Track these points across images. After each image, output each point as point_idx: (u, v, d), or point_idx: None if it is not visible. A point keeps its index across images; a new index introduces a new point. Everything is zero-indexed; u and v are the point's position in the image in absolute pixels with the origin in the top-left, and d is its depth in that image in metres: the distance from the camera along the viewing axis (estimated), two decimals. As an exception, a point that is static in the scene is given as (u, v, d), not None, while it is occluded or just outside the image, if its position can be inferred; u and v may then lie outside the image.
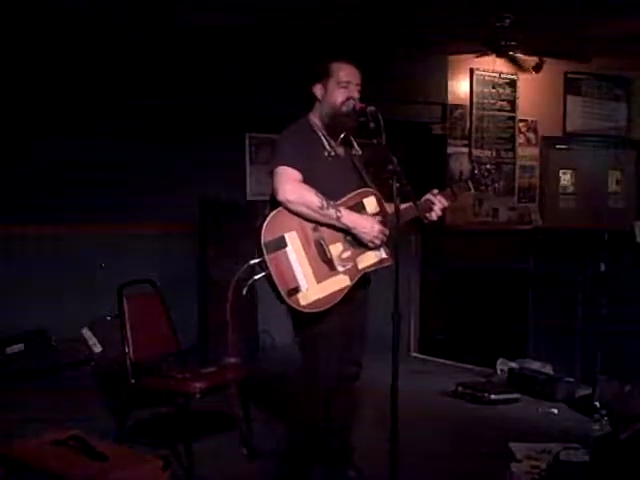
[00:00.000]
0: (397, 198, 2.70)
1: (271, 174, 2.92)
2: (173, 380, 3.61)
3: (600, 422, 4.15)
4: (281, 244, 2.82)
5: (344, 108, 2.99)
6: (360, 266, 2.98)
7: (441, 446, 3.93)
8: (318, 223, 2.89)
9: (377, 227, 2.95)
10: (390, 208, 2.89)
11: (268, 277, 2.81)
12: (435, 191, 3.15)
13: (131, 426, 3.93)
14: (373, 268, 3.01)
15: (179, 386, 3.57)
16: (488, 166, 3.30)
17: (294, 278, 2.81)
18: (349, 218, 2.92)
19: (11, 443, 2.86)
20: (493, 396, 4.75)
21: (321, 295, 2.85)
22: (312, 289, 2.83)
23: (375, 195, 3.05)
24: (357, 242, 2.97)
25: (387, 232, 2.97)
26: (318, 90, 3.07)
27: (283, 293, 2.79)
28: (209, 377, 3.68)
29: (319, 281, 2.86)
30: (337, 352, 3.01)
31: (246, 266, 2.87)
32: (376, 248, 2.99)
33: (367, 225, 2.94)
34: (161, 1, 4.65)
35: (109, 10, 4.71)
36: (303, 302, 2.82)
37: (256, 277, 2.86)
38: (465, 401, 4.81)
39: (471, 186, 3.25)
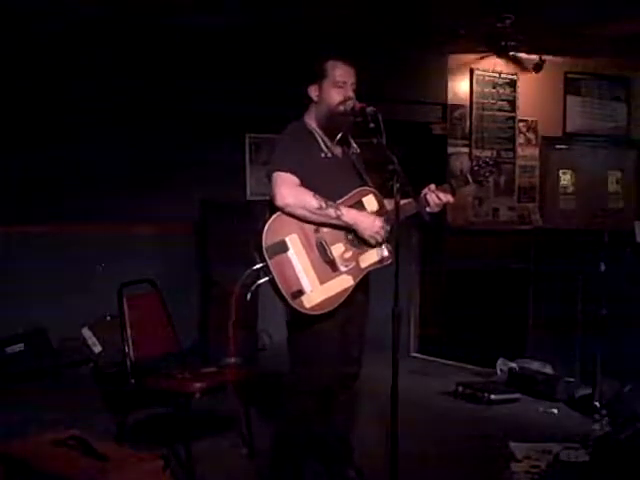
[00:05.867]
0: (397, 197, 2.70)
1: (268, 179, 2.93)
2: (173, 380, 3.61)
3: (600, 422, 4.15)
4: (282, 248, 2.82)
5: (341, 108, 2.99)
6: (362, 265, 2.97)
7: (441, 446, 3.93)
8: (319, 224, 2.89)
9: (378, 223, 2.95)
10: (390, 205, 2.88)
11: (271, 281, 2.81)
12: (432, 186, 3.12)
13: (131, 426, 3.92)
14: (375, 266, 3.01)
15: (179, 386, 3.57)
16: (487, 159, 3.29)
17: (297, 281, 2.81)
18: (349, 215, 2.92)
19: (11, 443, 2.85)
20: (493, 396, 4.75)
21: (325, 296, 2.85)
22: (316, 291, 2.83)
23: (374, 193, 3.04)
24: (358, 241, 2.97)
25: (388, 228, 2.96)
26: (313, 91, 3.06)
27: (287, 296, 2.80)
28: (209, 377, 3.68)
29: (322, 282, 2.86)
30: (335, 352, 3.01)
31: (249, 271, 2.87)
32: (378, 245, 2.98)
33: (367, 221, 2.94)
34: (160, 2, 4.65)
35: (106, 10, 4.72)
36: (307, 304, 2.82)
37: (259, 282, 2.87)
38: (465, 401, 4.81)
39: (470, 179, 3.24)
